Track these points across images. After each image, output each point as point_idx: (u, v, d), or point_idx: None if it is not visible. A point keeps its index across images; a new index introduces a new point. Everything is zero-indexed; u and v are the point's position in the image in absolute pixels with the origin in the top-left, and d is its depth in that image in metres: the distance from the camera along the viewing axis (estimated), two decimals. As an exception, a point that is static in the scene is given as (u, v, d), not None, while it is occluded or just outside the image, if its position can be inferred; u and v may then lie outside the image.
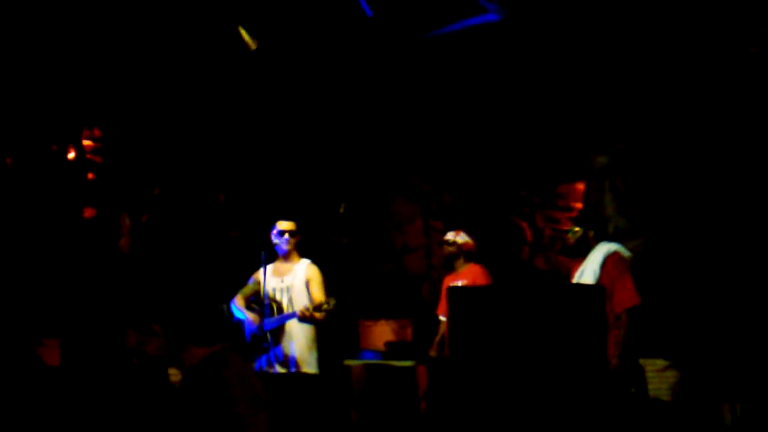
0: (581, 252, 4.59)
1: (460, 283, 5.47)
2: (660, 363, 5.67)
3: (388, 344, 6.56)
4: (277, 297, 4.74)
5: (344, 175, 7.23)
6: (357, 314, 6.80)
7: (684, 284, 5.87)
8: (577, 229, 4.61)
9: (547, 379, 3.18)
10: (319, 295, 4.66)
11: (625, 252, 4.44)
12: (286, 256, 4.84)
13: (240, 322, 4.79)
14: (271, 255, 4.87)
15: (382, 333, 6.82)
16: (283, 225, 4.85)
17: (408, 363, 6.26)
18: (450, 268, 5.66)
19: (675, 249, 6.01)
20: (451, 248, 5.62)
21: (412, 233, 7.46)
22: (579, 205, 6.68)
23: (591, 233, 4.52)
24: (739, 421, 5.25)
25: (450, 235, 5.67)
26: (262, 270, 4.87)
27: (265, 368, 4.69)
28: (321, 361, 4.77)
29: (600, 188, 6.32)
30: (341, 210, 6.72)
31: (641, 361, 4.73)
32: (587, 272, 4.40)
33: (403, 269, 7.39)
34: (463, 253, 5.60)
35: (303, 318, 4.48)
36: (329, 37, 6.01)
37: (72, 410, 4.27)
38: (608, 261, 4.35)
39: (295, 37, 5.69)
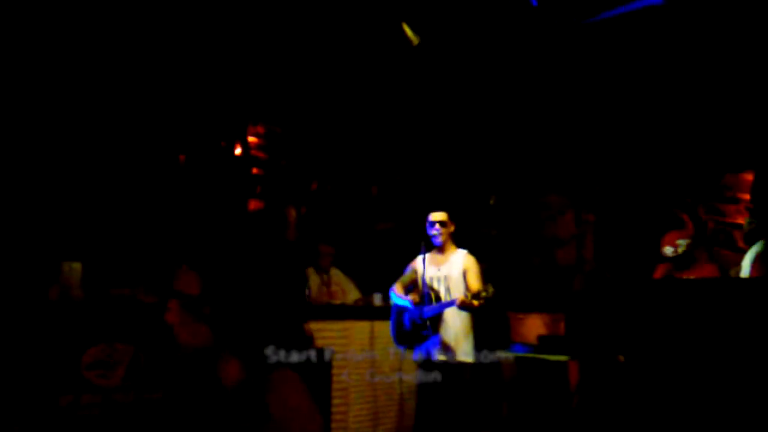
0: (752, 243, 4.47)
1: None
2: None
3: (540, 338, 6.50)
4: (435, 286, 4.83)
5: (495, 166, 7.22)
6: (507, 306, 6.77)
7: None
8: (751, 220, 4.52)
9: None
10: (476, 284, 4.70)
11: None
12: (442, 247, 4.92)
13: (400, 310, 4.92)
14: (428, 246, 4.97)
15: (533, 326, 6.77)
16: (435, 216, 4.94)
17: (561, 357, 6.19)
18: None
19: None
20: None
21: (562, 225, 7.33)
22: (746, 197, 6.30)
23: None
24: None
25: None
26: (419, 259, 4.98)
27: (425, 355, 4.80)
28: (478, 349, 4.82)
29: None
30: (491, 202, 6.72)
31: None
32: (744, 266, 4.35)
33: (553, 261, 7.28)
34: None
35: (462, 306, 4.54)
36: (483, 30, 6.01)
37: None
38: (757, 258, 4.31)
39: (449, 32, 5.73)
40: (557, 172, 7.40)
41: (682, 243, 5.28)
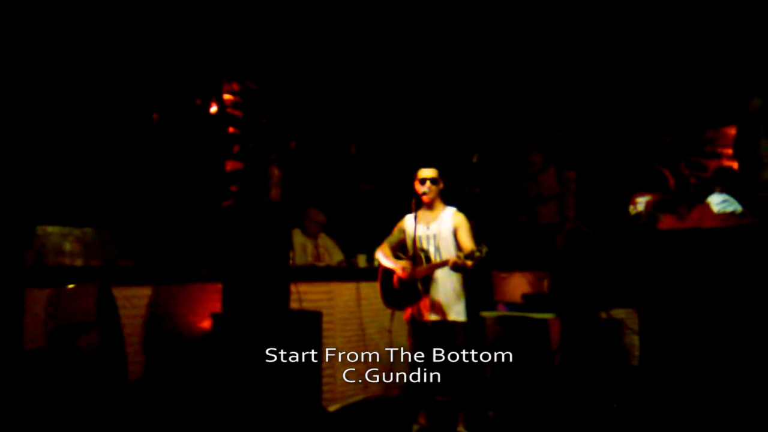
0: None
1: None
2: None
3: (525, 296, 6.48)
4: (424, 245, 4.73)
5: (477, 124, 7.10)
6: (491, 265, 6.73)
7: None
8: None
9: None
10: (467, 242, 4.61)
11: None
12: (431, 204, 4.80)
13: (388, 271, 4.81)
14: (418, 204, 4.85)
15: (518, 285, 6.74)
16: (425, 172, 4.81)
17: (548, 315, 6.18)
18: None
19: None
20: None
21: (544, 183, 7.28)
22: (728, 151, 6.30)
23: (718, 189, 4.76)
24: None
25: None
26: (408, 218, 4.87)
27: (416, 316, 4.73)
28: (468, 309, 4.76)
29: (754, 133, 5.90)
30: (474, 160, 6.61)
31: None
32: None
33: (536, 220, 7.24)
34: None
35: (455, 267, 4.44)
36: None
37: (234, 355, 4.44)
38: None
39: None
40: (538, 129, 7.33)
41: (642, 201, 5.34)
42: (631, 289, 5.84)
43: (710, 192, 5.26)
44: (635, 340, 6.13)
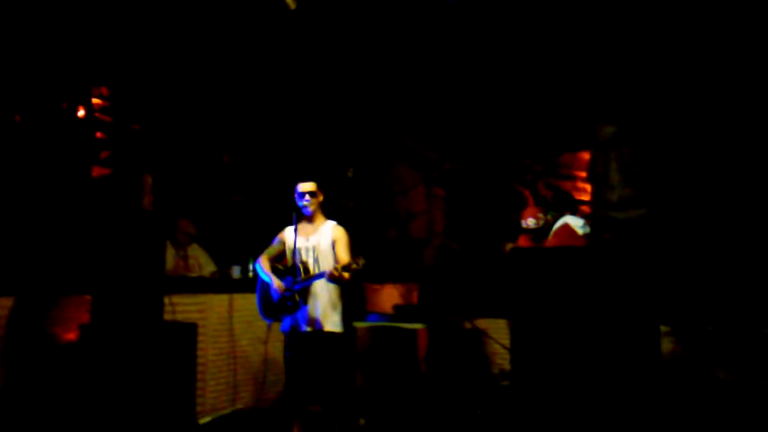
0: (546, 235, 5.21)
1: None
2: (662, 329, 5.89)
3: (396, 307, 6.68)
4: (303, 257, 4.79)
5: (351, 139, 7.25)
6: (363, 277, 6.88)
7: (687, 252, 6.06)
8: (549, 217, 5.24)
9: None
10: (344, 255, 4.72)
11: (573, 222, 5.11)
12: (311, 217, 4.88)
13: (266, 282, 4.83)
14: (299, 217, 4.92)
15: (389, 296, 6.93)
16: (305, 186, 4.88)
17: (416, 325, 6.40)
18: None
19: (678, 218, 6.18)
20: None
21: (415, 199, 7.54)
22: (582, 174, 6.82)
23: (566, 213, 5.30)
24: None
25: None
26: (289, 230, 4.91)
27: (293, 327, 4.76)
28: (344, 320, 4.85)
29: (606, 158, 6.44)
30: (349, 174, 6.75)
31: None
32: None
33: (406, 234, 7.48)
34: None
35: (332, 278, 4.53)
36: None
37: (103, 367, 4.29)
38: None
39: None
40: (409, 147, 7.59)
41: (542, 217, 5.72)
42: (494, 301, 6.20)
43: (561, 215, 5.74)
44: (497, 348, 6.49)
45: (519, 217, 7.32)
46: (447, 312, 6.68)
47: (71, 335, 4.51)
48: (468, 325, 6.68)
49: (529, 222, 5.75)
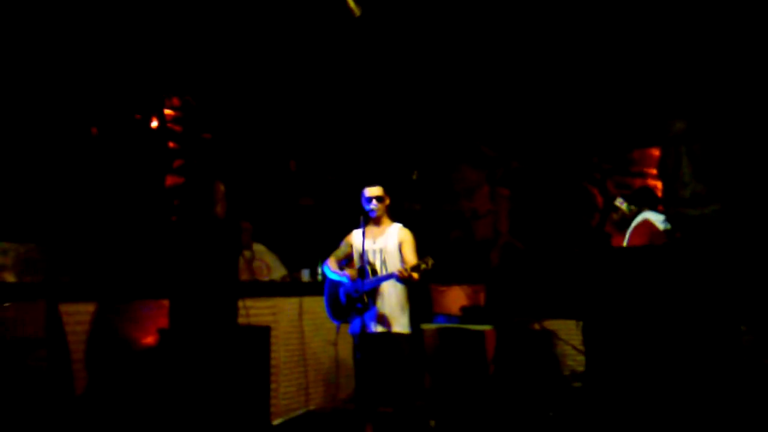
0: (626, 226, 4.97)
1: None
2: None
3: (463, 308, 6.67)
4: (371, 259, 4.84)
5: (416, 142, 7.28)
6: (429, 279, 6.90)
7: (762, 249, 5.86)
8: (633, 207, 4.97)
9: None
10: (411, 256, 4.76)
11: (655, 219, 4.85)
12: (377, 220, 4.93)
13: (335, 284, 4.90)
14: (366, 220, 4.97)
15: (455, 298, 6.93)
16: (371, 191, 4.95)
17: (485, 327, 6.38)
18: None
19: (752, 213, 5.99)
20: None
21: (479, 200, 7.52)
22: (653, 171, 6.67)
23: (645, 209, 5.03)
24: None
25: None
26: (356, 233, 4.98)
27: (362, 329, 4.82)
28: (412, 322, 4.88)
29: (677, 154, 6.29)
30: (414, 177, 6.78)
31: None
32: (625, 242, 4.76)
33: (471, 235, 7.46)
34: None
35: (400, 278, 4.57)
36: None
37: (181, 371, 4.43)
38: (635, 229, 4.95)
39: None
40: (473, 148, 7.57)
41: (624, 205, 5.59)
42: (564, 302, 6.12)
43: (639, 211, 5.54)
44: (567, 350, 6.41)
45: (587, 215, 7.25)
46: (515, 313, 6.63)
47: (150, 339, 4.68)
48: (537, 326, 6.61)
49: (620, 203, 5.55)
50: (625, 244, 5.21)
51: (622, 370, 3.42)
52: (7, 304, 3.93)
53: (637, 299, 3.55)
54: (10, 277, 4.63)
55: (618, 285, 3.67)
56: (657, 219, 5.41)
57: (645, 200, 5.80)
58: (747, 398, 3.45)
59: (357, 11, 4.90)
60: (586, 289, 3.85)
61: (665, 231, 5.21)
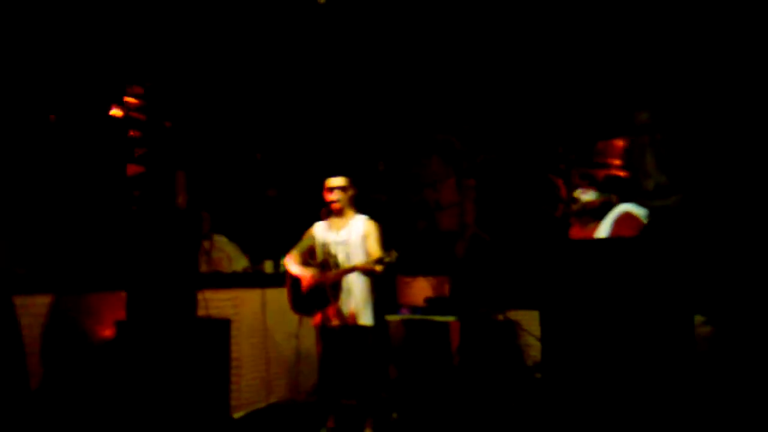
0: (599, 216, 4.80)
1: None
2: (697, 319, 5.77)
3: (427, 300, 6.67)
4: (334, 251, 4.80)
5: (382, 133, 7.24)
6: (396, 270, 6.88)
7: (722, 240, 5.93)
8: (602, 195, 4.83)
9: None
10: (375, 249, 4.73)
11: (637, 211, 4.68)
12: (341, 212, 4.89)
13: (296, 277, 4.85)
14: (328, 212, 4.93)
15: (420, 289, 6.93)
16: (333, 181, 4.90)
17: (448, 318, 6.39)
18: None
19: (714, 204, 6.06)
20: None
21: (445, 191, 7.51)
22: (617, 162, 6.70)
23: (614, 198, 4.83)
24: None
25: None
26: (318, 225, 4.93)
27: (325, 321, 4.79)
28: (376, 314, 4.86)
29: (641, 145, 6.34)
30: (380, 168, 6.75)
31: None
32: (602, 233, 4.64)
33: (436, 226, 7.45)
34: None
35: (364, 271, 4.55)
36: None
37: (139, 364, 4.35)
38: (619, 221, 4.63)
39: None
40: (438, 139, 7.55)
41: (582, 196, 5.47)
42: (527, 292, 6.14)
43: (608, 200, 5.37)
44: (530, 340, 6.44)
45: (551, 206, 7.26)
46: (479, 304, 6.65)
47: (107, 332, 4.59)
48: (500, 317, 6.64)
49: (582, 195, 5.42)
50: (604, 236, 5.01)
51: (575, 362, 3.43)
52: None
53: (594, 290, 3.55)
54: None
55: (574, 276, 3.67)
56: (640, 212, 5.18)
57: (615, 190, 5.67)
58: (698, 388, 3.50)
59: (322, -1, 4.84)
60: (545, 280, 3.84)
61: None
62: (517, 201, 7.26)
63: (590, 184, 6.74)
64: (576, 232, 5.74)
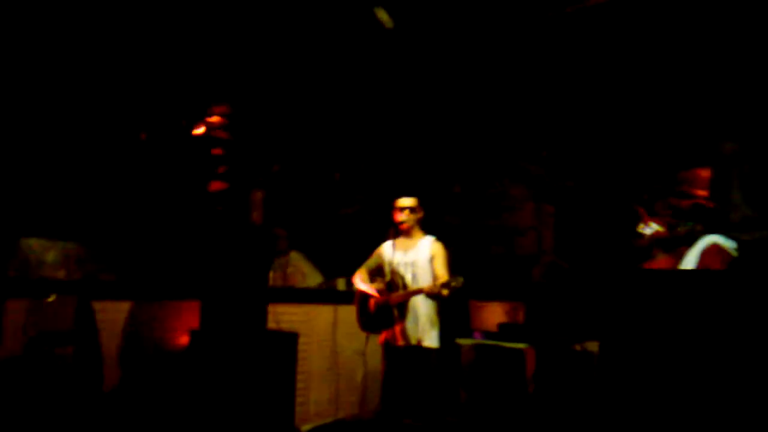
0: (687, 244, 4.63)
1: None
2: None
3: (500, 325, 6.59)
4: (401, 271, 4.84)
5: (459, 156, 7.27)
6: (468, 294, 6.84)
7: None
8: (688, 223, 4.65)
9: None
10: (442, 271, 4.73)
11: (725, 243, 4.45)
12: (409, 232, 4.93)
13: (365, 296, 4.92)
14: (397, 232, 4.98)
15: (494, 313, 6.86)
16: (403, 202, 4.95)
17: (520, 345, 6.28)
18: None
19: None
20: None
21: (522, 216, 7.43)
22: (702, 192, 6.46)
23: (699, 227, 4.63)
24: None
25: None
26: (386, 245, 4.99)
27: (391, 341, 4.82)
28: (441, 336, 4.86)
29: (728, 176, 6.10)
30: (456, 190, 6.76)
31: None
32: (687, 265, 4.45)
33: (513, 251, 7.38)
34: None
35: (430, 294, 4.57)
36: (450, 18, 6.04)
37: (210, 372, 4.51)
38: (706, 253, 4.42)
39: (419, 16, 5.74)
40: (517, 164, 7.50)
41: (650, 228, 5.33)
42: (604, 323, 5.96)
43: (696, 232, 5.17)
44: (607, 372, 6.24)
45: (634, 236, 7.05)
46: (555, 332, 6.52)
47: (183, 340, 4.79)
48: (578, 348, 6.47)
49: (641, 226, 5.30)
50: (690, 267, 4.82)
51: (634, 395, 3.32)
52: (50, 299, 4.09)
53: (668, 325, 3.42)
54: (53, 273, 4.83)
55: (644, 308, 3.54)
56: (729, 245, 4.97)
57: (700, 220, 5.48)
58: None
59: (389, 23, 4.94)
60: (612, 311, 3.73)
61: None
62: (598, 229, 7.11)
63: (674, 215, 6.55)
64: (662, 263, 5.56)
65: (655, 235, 4.83)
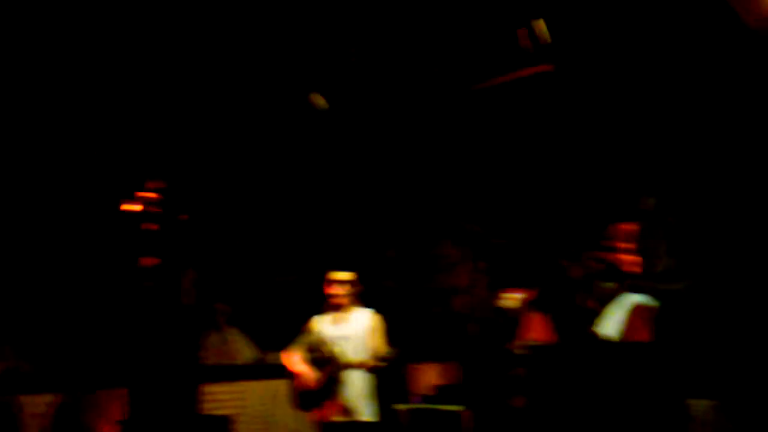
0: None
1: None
2: (705, 403, 5.60)
3: (437, 387, 6.59)
4: (336, 346, 4.79)
5: (392, 219, 7.35)
6: (405, 359, 6.83)
7: (731, 325, 5.81)
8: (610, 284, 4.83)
9: None
10: (380, 345, 4.72)
11: (648, 301, 4.66)
12: (341, 306, 4.89)
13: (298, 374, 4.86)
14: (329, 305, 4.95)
15: (430, 375, 6.86)
16: (338, 276, 4.91)
17: (456, 407, 6.27)
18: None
19: (723, 290, 5.97)
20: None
21: (460, 275, 7.53)
22: (628, 246, 6.69)
23: (616, 285, 4.81)
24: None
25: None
26: (318, 319, 4.94)
27: (326, 418, 4.75)
28: (382, 407, 4.82)
29: (651, 229, 6.35)
30: (390, 254, 6.81)
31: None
32: (611, 323, 4.54)
33: (450, 310, 7.44)
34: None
35: (367, 369, 4.56)
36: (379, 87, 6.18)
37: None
38: (634, 314, 4.54)
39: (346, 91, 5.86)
40: (455, 224, 7.64)
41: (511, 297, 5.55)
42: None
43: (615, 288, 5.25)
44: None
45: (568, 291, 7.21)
46: (490, 391, 6.54)
47: (110, 430, 4.63)
48: (518, 404, 6.50)
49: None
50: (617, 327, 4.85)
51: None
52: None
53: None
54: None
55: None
56: (650, 302, 4.97)
57: (616, 277, 5.58)
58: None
59: (323, 104, 5.03)
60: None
61: None
62: (528, 284, 7.24)
63: (597, 268, 6.74)
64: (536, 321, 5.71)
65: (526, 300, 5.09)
